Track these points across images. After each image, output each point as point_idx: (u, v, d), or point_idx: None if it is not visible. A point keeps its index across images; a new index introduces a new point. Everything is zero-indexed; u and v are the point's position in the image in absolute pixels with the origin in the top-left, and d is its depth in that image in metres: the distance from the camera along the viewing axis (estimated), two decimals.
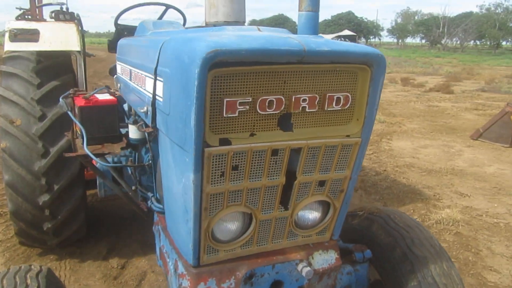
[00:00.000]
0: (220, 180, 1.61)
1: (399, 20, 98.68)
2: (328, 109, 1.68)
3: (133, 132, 2.75)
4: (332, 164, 1.79)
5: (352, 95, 1.70)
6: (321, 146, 1.71)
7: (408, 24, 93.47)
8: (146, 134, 2.49)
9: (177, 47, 1.56)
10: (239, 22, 2.83)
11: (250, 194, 1.71)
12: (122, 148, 2.78)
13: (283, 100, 1.58)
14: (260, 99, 1.54)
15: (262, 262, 1.82)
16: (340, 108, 1.70)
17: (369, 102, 1.71)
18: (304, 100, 1.61)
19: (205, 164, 1.52)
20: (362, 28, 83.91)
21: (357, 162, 1.82)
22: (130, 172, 2.91)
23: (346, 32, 60.63)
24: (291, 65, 1.54)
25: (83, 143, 2.71)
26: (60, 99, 2.87)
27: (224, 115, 1.51)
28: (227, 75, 1.46)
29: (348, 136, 1.76)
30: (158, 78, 1.76)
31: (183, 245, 1.77)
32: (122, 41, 3.02)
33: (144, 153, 2.86)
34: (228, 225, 1.75)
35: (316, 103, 1.64)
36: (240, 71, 1.47)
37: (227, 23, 2.73)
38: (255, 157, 1.63)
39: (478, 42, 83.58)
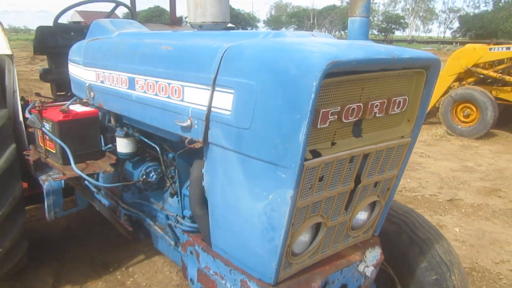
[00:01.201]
0: (308, 192, 1.56)
1: (273, 12, 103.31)
2: (391, 112, 1.73)
3: (124, 146, 2.49)
4: (388, 164, 1.86)
5: (408, 98, 1.78)
6: (383, 149, 1.76)
7: (282, 16, 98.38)
8: (157, 148, 2.29)
9: (269, 56, 1.46)
10: (226, 22, 2.73)
11: (326, 203, 1.69)
12: (111, 165, 2.49)
13: (362, 107, 1.59)
14: (346, 107, 1.53)
15: (332, 269, 1.82)
16: (399, 111, 1.76)
17: (422, 103, 1.80)
18: (376, 106, 1.64)
19: (301, 178, 1.46)
20: (240, 20, 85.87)
21: (405, 161, 1.92)
22: (120, 189, 2.62)
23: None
24: (370, 73, 1.55)
25: (64, 163, 2.37)
26: (29, 114, 2.45)
27: (318, 126, 1.46)
28: (324, 85, 1.42)
29: (402, 137, 1.84)
30: (219, 89, 1.62)
31: (259, 264, 1.68)
32: (91, 44, 2.69)
33: (134, 168, 2.60)
34: (303, 237, 1.71)
35: (384, 107, 1.68)
36: (336, 81, 1.44)
37: (216, 23, 2.62)
38: (337, 166, 1.61)
39: (342, 33, 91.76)
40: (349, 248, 1.98)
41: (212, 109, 1.68)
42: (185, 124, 1.80)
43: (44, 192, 3.21)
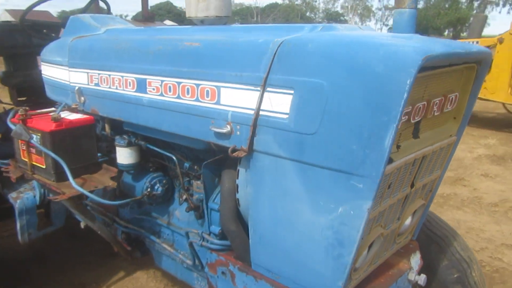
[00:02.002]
0: (378, 201, 1.42)
1: None
2: (445, 110, 1.63)
3: (125, 157, 2.22)
4: (436, 165, 1.76)
5: (458, 94, 1.69)
6: (437, 149, 1.66)
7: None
8: (173, 158, 2.06)
9: (344, 51, 1.28)
10: (228, 16, 2.53)
11: (387, 212, 1.56)
12: (112, 178, 2.20)
13: (425, 105, 1.47)
14: (415, 106, 1.40)
15: (387, 281, 1.69)
16: (451, 109, 1.66)
17: (469, 99, 1.72)
18: (435, 104, 1.53)
19: (379, 187, 1.32)
20: (183, 18, 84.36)
21: (449, 161, 1.83)
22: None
23: (168, 22, 60.18)
24: (435, 70, 1.43)
25: (58, 179, 2.06)
26: (12, 124, 2.10)
27: None
28: None
29: (450, 135, 1.74)
30: (271, 89, 1.43)
31: (319, 284, 1.50)
32: (78, 43, 2.38)
33: (135, 180, 2.32)
34: (363, 250, 1.56)
35: (441, 105, 1.57)
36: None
37: (219, 18, 2.42)
38: (403, 171, 1.48)
39: None
40: (394, 256, 1.86)
41: (261, 112, 1.48)
42: (223, 131, 1.59)
43: (16, 212, 2.84)
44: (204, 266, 2.11)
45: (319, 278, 1.50)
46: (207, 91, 1.65)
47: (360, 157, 1.27)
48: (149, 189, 2.28)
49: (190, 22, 2.51)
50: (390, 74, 1.17)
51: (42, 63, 2.86)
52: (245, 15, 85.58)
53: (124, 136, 2.24)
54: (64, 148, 2.11)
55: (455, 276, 2.31)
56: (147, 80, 1.91)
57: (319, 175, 1.38)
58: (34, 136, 2.11)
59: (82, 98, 2.35)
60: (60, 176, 2.13)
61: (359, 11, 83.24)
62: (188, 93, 1.73)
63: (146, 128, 2.03)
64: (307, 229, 1.47)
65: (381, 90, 1.19)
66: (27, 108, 2.23)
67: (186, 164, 2.07)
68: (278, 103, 1.43)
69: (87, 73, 2.29)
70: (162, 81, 1.84)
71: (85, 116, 2.22)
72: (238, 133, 1.56)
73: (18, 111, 2.21)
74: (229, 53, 1.57)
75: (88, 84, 2.30)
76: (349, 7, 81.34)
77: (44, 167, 2.14)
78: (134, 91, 2.00)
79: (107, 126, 2.38)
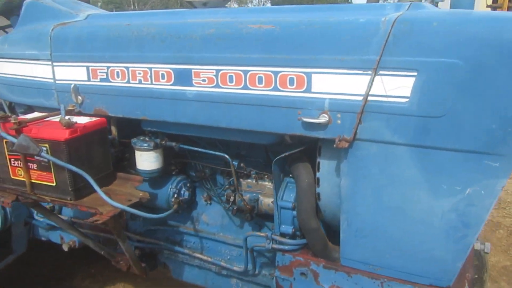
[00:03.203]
0: None
1: None
2: None
3: (151, 161, 1.93)
4: None
5: None
6: None
7: (98, 2, 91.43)
8: (226, 157, 1.85)
9: (485, 29, 1.22)
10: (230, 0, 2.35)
11: None
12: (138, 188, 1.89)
13: None
14: None
15: (468, 255, 1.73)
16: None
17: None
18: None
19: None
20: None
21: None
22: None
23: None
24: None
25: (77, 197, 1.73)
26: (8, 136, 1.66)
27: None
28: None
29: None
30: (386, 72, 1.33)
31: (435, 268, 1.46)
32: (67, 31, 1.97)
33: (158, 186, 2.03)
34: None
35: None
36: None
37: (224, 0, 2.23)
38: None
39: None
40: None
41: (370, 98, 1.37)
42: (318, 121, 1.44)
43: None
44: (257, 269, 1.95)
45: (435, 263, 1.47)
46: (291, 79, 1.47)
47: (500, 136, 1.25)
48: (175, 195, 2.01)
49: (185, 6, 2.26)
50: None
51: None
52: (119, 3, 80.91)
53: (145, 138, 1.93)
54: (81, 158, 1.74)
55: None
56: (193, 71, 1.65)
57: (443, 158, 1.34)
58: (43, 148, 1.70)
59: (80, 98, 1.96)
60: (79, 193, 1.76)
61: None
62: (260, 82, 1.53)
63: (188, 126, 1.77)
64: (423, 215, 1.42)
65: None
66: (13, 115, 1.79)
67: (235, 163, 1.86)
68: (395, 87, 1.33)
69: (87, 67, 1.91)
70: (217, 70, 1.60)
71: (94, 118, 1.85)
72: (338, 122, 1.43)
73: (3, 120, 1.76)
74: (324, 36, 1.41)
75: (89, 80, 1.92)
76: None
77: (54, 184, 1.74)
78: (171, 84, 1.71)
79: (113, 129, 2.02)
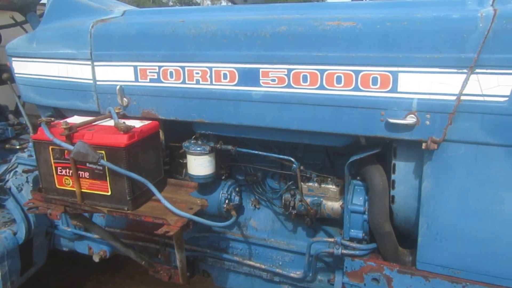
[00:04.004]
0: None
1: None
2: None
3: (205, 166, 1.84)
4: None
5: None
6: None
7: None
8: (292, 160, 1.77)
9: None
10: None
11: None
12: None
13: None
14: None
15: None
16: None
17: None
18: None
19: None
20: None
21: None
22: None
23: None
24: None
25: (134, 207, 1.63)
26: (59, 141, 1.54)
27: None
28: None
29: None
30: (484, 70, 1.29)
31: None
32: (109, 28, 1.85)
33: (208, 192, 1.94)
34: None
35: None
36: None
37: None
38: None
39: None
40: None
41: (463, 97, 1.33)
42: (405, 122, 1.39)
43: None
44: (313, 275, 1.88)
45: None
46: (375, 78, 1.41)
47: None
48: (227, 200, 1.92)
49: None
50: None
51: (15, 59, 2.16)
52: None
53: (197, 142, 1.83)
54: (138, 165, 1.63)
55: None
56: (261, 70, 1.57)
57: None
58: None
59: (126, 100, 1.84)
60: (136, 203, 1.64)
61: None
62: (339, 82, 1.46)
63: (249, 128, 1.68)
64: None
65: None
66: (53, 119, 1.67)
67: (295, 166, 1.78)
68: (493, 86, 1.29)
69: (135, 66, 1.79)
70: (289, 69, 1.52)
71: (147, 121, 1.74)
72: (427, 122, 1.38)
73: (43, 124, 1.63)
74: (413, 33, 1.35)
75: (136, 81, 1.80)
76: None
77: (108, 194, 1.63)
78: (234, 85, 1.62)
79: (161, 132, 1.91)
